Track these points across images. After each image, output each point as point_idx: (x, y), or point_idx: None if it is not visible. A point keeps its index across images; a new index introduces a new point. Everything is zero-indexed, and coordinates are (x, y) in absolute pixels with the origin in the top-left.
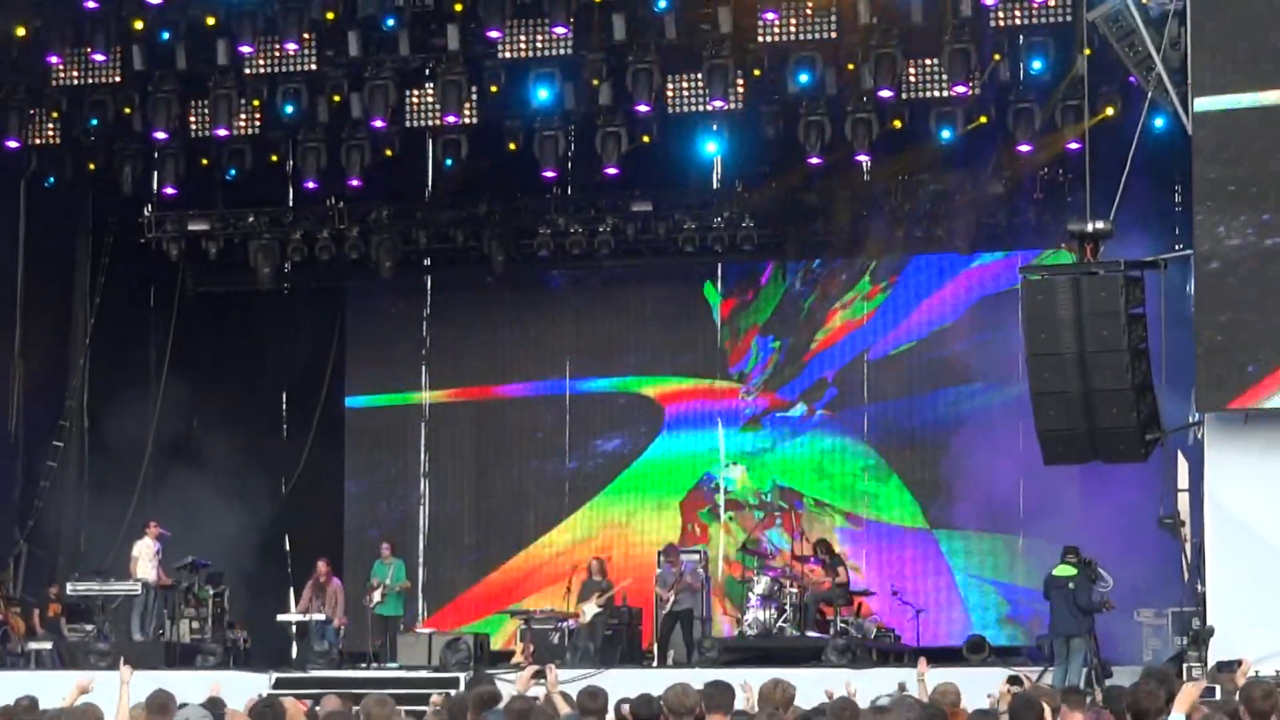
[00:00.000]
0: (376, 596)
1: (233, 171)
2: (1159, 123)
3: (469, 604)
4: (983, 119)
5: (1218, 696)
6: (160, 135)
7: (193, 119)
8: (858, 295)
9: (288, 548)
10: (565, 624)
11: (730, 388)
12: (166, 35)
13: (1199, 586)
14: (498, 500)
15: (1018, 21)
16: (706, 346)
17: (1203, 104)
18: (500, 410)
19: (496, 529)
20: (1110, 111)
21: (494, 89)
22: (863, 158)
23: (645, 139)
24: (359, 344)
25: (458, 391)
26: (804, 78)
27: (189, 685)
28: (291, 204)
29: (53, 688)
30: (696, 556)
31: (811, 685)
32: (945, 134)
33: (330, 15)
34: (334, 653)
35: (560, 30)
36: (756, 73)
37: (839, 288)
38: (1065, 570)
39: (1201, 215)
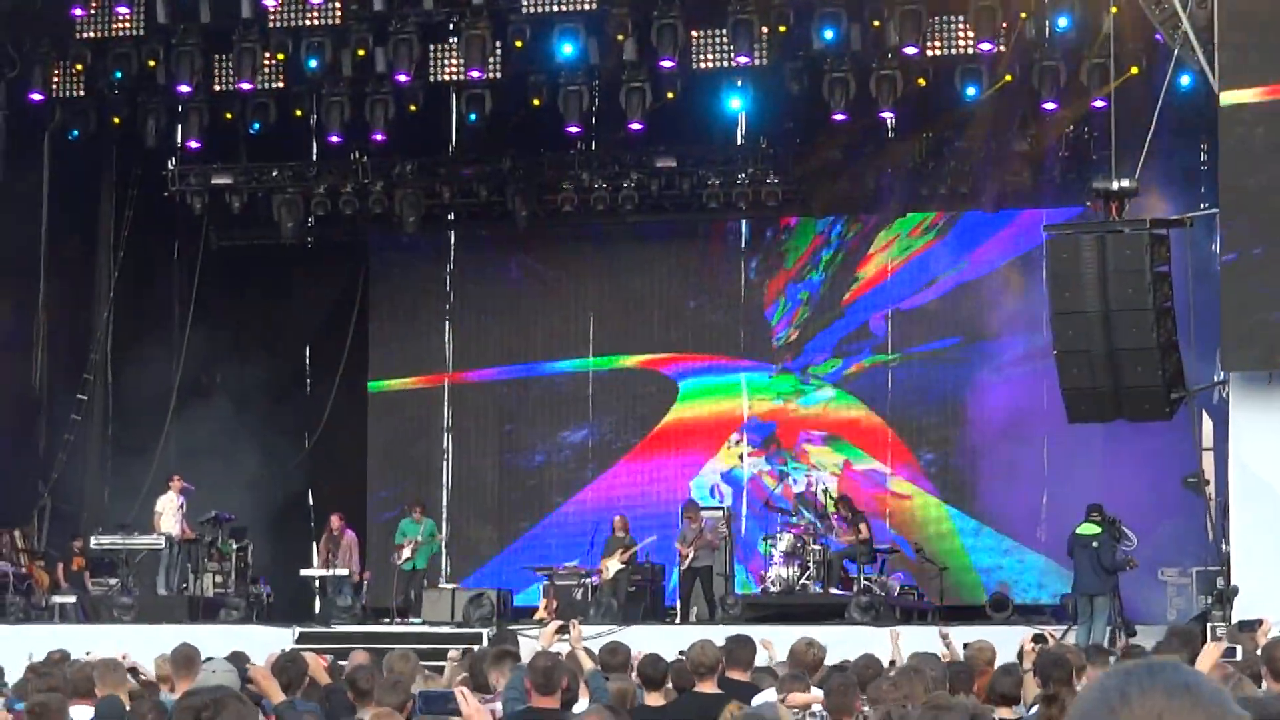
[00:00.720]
0: (406, 553)
1: (256, 125)
2: (1185, 80)
3: (492, 561)
4: (1008, 77)
5: (1239, 656)
6: (184, 89)
7: (216, 72)
8: (882, 252)
9: (311, 502)
10: (588, 580)
11: (756, 344)
12: None
13: (1223, 546)
14: (522, 458)
15: None
16: (732, 301)
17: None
18: (525, 373)
19: (520, 486)
20: (1135, 70)
21: (518, 43)
22: (888, 115)
23: (670, 95)
24: (381, 299)
25: (481, 350)
26: (829, 34)
27: (213, 639)
28: (315, 158)
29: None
30: (718, 514)
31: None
32: (970, 91)
33: None
34: (357, 608)
35: None
36: (781, 29)
37: (863, 244)
38: (1089, 529)
39: (1228, 178)
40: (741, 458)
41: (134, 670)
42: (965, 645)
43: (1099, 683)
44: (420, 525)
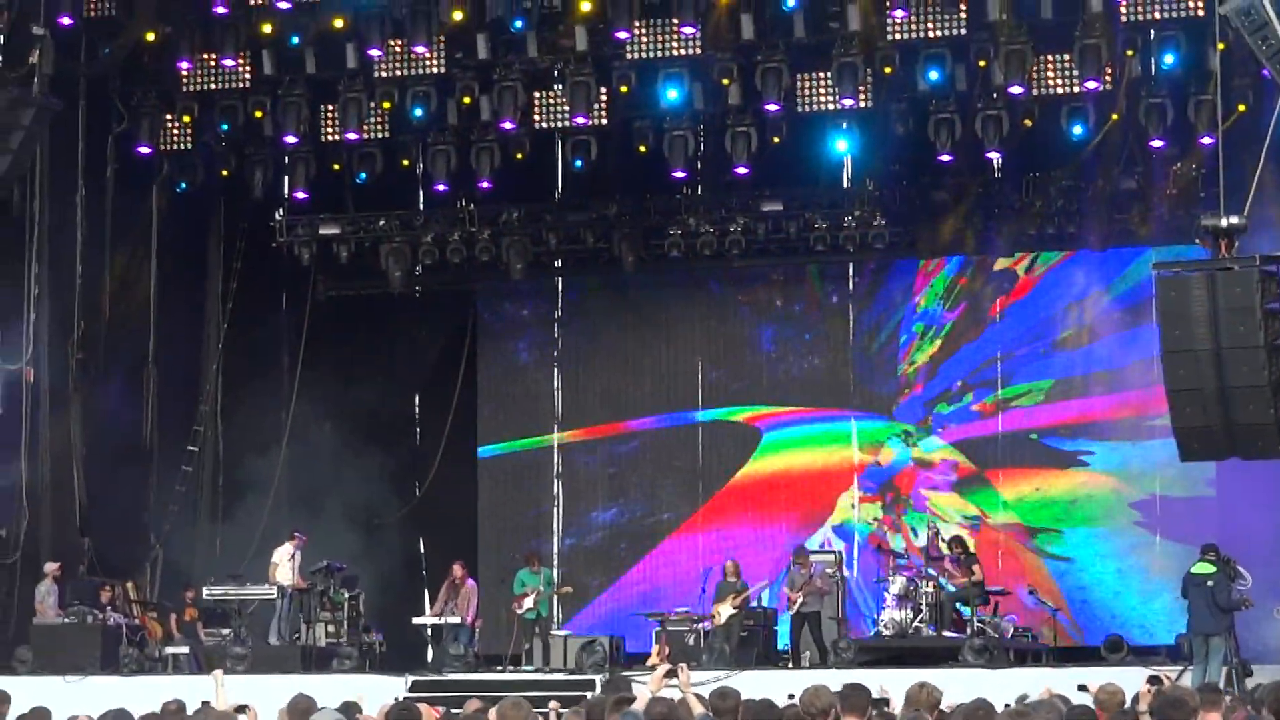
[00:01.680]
0: (528, 602)
1: (363, 175)
2: None
3: (603, 608)
4: (1115, 116)
5: None
6: (290, 139)
7: (323, 123)
8: (989, 292)
9: (422, 550)
10: (700, 625)
11: (867, 391)
12: (296, 39)
13: None
14: (633, 502)
15: (1149, 16)
16: (838, 346)
17: None
18: (633, 421)
19: (631, 531)
20: (1243, 107)
21: (623, 89)
22: (994, 155)
23: (775, 139)
24: (489, 346)
25: (589, 398)
26: (934, 75)
27: (326, 689)
28: (422, 207)
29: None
30: (829, 558)
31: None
32: (1077, 130)
33: (458, 17)
34: (469, 655)
35: (689, 30)
36: (886, 70)
37: (973, 286)
38: (1204, 568)
39: None
40: (853, 505)
41: (242, 709)
42: (1081, 688)
43: None
44: (539, 575)
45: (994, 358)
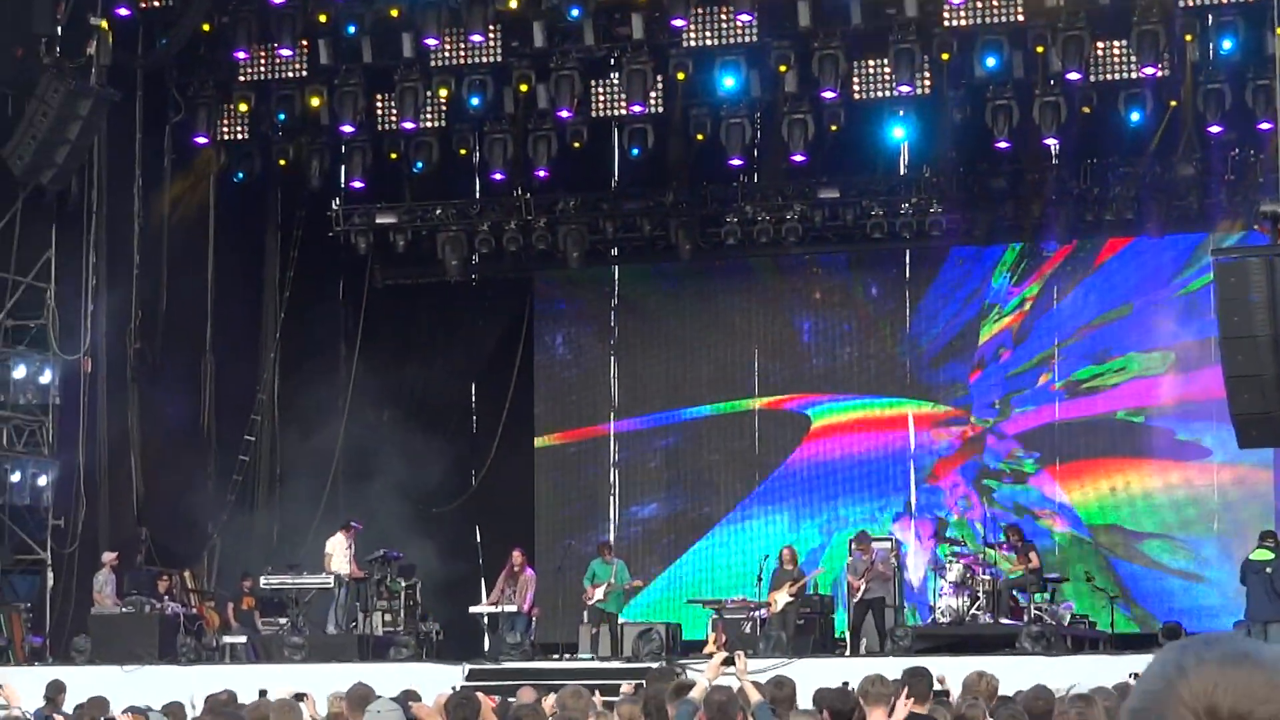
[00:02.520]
0: (599, 594)
1: (419, 164)
2: None
3: (659, 595)
4: (1173, 103)
5: None
6: (347, 129)
7: (379, 112)
8: (1048, 278)
9: (478, 539)
10: (757, 613)
11: (922, 377)
12: (352, 29)
13: None
14: (688, 491)
15: (1207, 1)
16: (897, 332)
17: None
18: (690, 410)
19: (688, 519)
20: None
21: (680, 77)
22: (1051, 141)
23: (833, 127)
24: (546, 335)
25: (647, 387)
26: (991, 61)
27: (383, 677)
28: (478, 195)
29: (248, 681)
30: (888, 544)
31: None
32: (1135, 116)
33: (514, 6)
34: (526, 644)
35: (745, 17)
36: (944, 56)
37: (1032, 273)
38: (1262, 554)
39: None
40: (912, 491)
41: (300, 696)
42: (1134, 675)
43: (1158, 658)
44: (611, 566)
45: (1055, 342)
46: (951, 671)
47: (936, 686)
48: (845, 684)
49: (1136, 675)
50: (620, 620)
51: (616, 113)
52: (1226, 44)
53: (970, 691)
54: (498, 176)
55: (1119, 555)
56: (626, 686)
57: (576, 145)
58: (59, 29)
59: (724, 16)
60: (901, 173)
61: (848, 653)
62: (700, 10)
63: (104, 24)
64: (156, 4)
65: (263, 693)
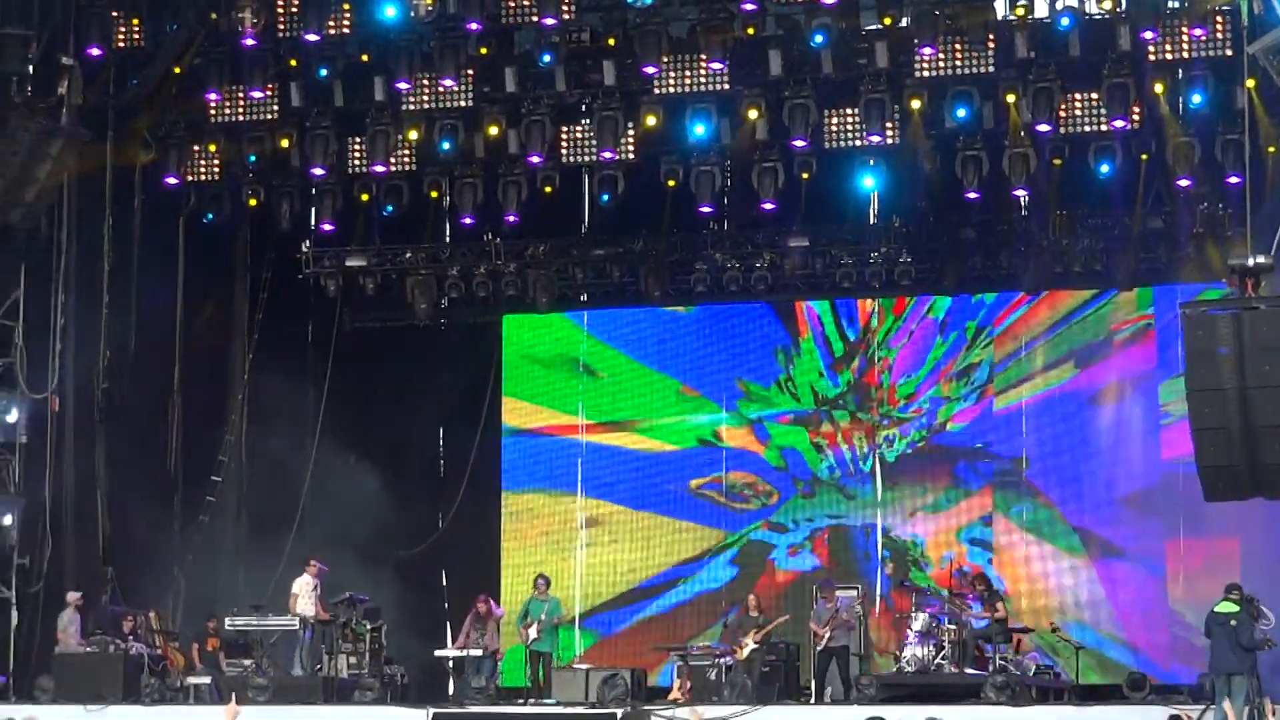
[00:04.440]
0: (532, 633)
1: (390, 208)
2: None
3: (625, 641)
4: (1144, 156)
5: None
6: (318, 171)
7: (350, 155)
8: (1015, 329)
9: (444, 583)
10: (723, 660)
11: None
12: (324, 72)
13: None
14: (655, 539)
15: (1178, 55)
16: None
17: None
18: (655, 452)
19: (653, 565)
20: (1272, 150)
21: (651, 122)
22: (1020, 192)
23: (804, 175)
24: (516, 380)
25: (614, 430)
26: (961, 112)
27: None
28: (448, 240)
29: None
30: (853, 593)
31: None
32: (1104, 169)
33: (486, 51)
34: (491, 688)
35: (717, 65)
36: (914, 106)
37: (996, 321)
38: (1227, 607)
39: None
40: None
41: None
42: None
43: None
44: (545, 603)
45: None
46: None
47: None
48: None
49: None
50: (584, 666)
51: (587, 159)
52: (1196, 98)
53: None
54: (467, 221)
55: None
56: None
57: (547, 190)
58: (30, 68)
59: (696, 64)
60: (871, 222)
61: (813, 700)
62: (672, 58)
63: (76, 64)
64: (128, 44)
65: None
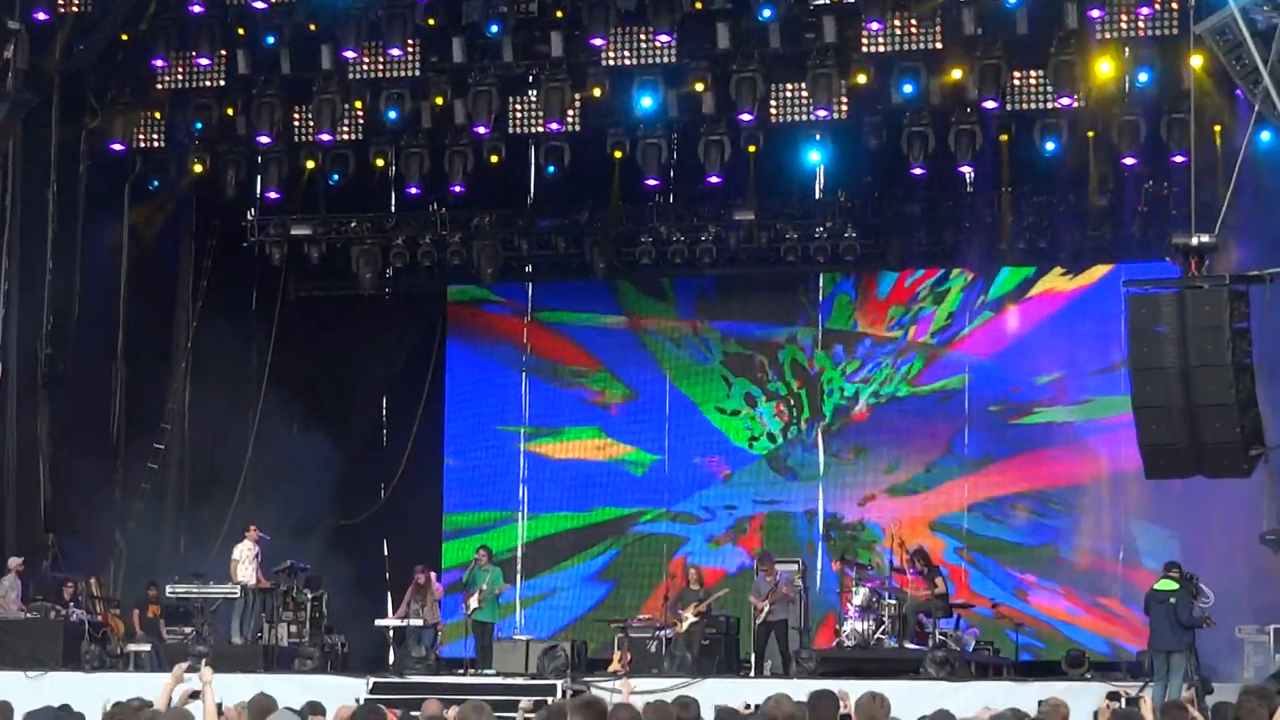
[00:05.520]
0: (474, 603)
1: (335, 176)
2: (1265, 136)
3: (566, 612)
4: (1090, 134)
5: None
6: (264, 139)
7: (296, 123)
8: (958, 307)
9: (386, 552)
10: (662, 632)
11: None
12: (271, 40)
13: None
14: (597, 507)
15: (1126, 34)
16: (807, 353)
17: None
18: (601, 425)
19: (596, 534)
20: (1218, 128)
21: (597, 94)
22: (966, 169)
23: (751, 149)
24: (459, 350)
25: (557, 402)
26: (908, 88)
27: (287, 688)
28: (394, 209)
29: (151, 689)
30: (794, 567)
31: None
32: (1050, 146)
33: (434, 22)
34: (431, 658)
35: (664, 38)
36: (861, 79)
37: (939, 298)
38: (1166, 585)
39: None
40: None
41: (196, 694)
42: (1040, 703)
43: None
44: (486, 573)
45: (964, 370)
46: (856, 695)
47: (842, 709)
48: (748, 705)
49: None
50: (524, 636)
51: (534, 130)
52: (1143, 77)
53: (863, 712)
54: (413, 191)
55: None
56: (525, 702)
57: (494, 161)
58: None
59: (643, 36)
60: (817, 197)
61: (753, 674)
62: (619, 30)
63: (21, 27)
64: (75, 9)
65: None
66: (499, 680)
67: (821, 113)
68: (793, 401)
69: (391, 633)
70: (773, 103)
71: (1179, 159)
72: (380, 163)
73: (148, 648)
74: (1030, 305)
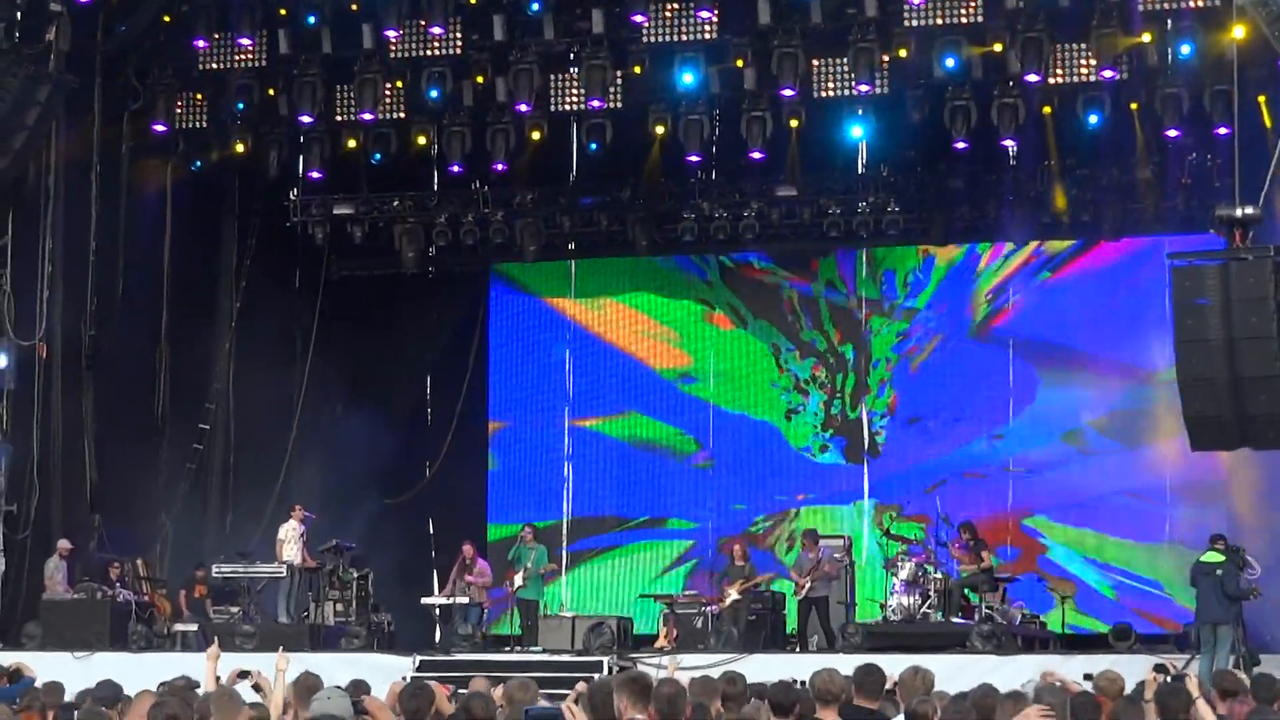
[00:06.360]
0: (519, 580)
1: (378, 155)
2: None
3: (612, 589)
4: (1134, 106)
5: None
6: (306, 119)
7: (338, 103)
8: (1004, 279)
9: (431, 531)
10: (708, 609)
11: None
12: (312, 19)
13: None
14: (641, 487)
15: (1168, 5)
16: (849, 330)
17: None
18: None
19: (640, 512)
20: (1263, 98)
21: (638, 71)
22: (1009, 142)
23: (793, 124)
24: (502, 328)
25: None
26: (950, 62)
27: (334, 667)
28: (436, 188)
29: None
30: (838, 543)
31: (956, 671)
32: (1093, 119)
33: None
34: (477, 636)
35: (705, 14)
36: (903, 53)
37: (986, 271)
38: (1213, 557)
39: None
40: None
41: (245, 674)
42: (1087, 677)
43: None
44: (532, 551)
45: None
46: (902, 670)
47: (888, 685)
48: (794, 679)
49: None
50: (569, 613)
51: (575, 107)
52: (1185, 49)
53: (906, 688)
54: (455, 169)
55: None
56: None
57: (535, 138)
58: (18, 14)
59: (684, 13)
60: (859, 172)
61: (798, 649)
62: (660, 6)
63: (64, 10)
64: None
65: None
66: (545, 657)
67: (863, 87)
68: (833, 360)
69: (438, 610)
70: (815, 78)
71: (1222, 131)
72: (422, 141)
73: (194, 628)
74: (1074, 277)
